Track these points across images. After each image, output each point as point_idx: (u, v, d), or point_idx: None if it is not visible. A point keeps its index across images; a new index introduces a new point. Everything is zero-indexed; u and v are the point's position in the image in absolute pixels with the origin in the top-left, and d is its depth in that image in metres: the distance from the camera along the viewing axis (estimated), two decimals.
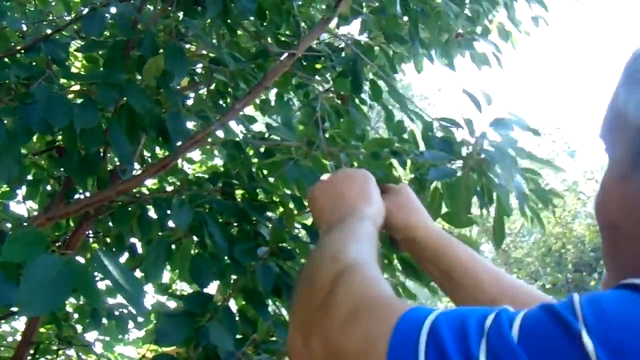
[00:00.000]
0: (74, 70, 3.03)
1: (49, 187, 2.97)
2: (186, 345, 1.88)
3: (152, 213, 2.39)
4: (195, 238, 2.13)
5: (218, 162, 3.51)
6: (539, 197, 2.24)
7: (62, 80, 1.96)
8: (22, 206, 3.12)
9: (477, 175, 2.09)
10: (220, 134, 2.43)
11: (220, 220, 2.02)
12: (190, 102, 2.58)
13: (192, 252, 2.25)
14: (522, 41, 3.38)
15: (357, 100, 2.51)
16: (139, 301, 1.41)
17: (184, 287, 3.68)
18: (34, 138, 2.81)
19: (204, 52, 2.51)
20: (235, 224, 2.13)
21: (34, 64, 2.13)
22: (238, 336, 1.96)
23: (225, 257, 1.96)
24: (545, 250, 19.73)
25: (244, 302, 2.07)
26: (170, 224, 2.34)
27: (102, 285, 3.11)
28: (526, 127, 2.16)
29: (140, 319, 3.17)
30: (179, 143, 2.05)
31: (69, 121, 1.66)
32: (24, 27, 2.46)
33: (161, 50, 1.97)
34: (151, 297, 3.30)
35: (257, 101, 2.76)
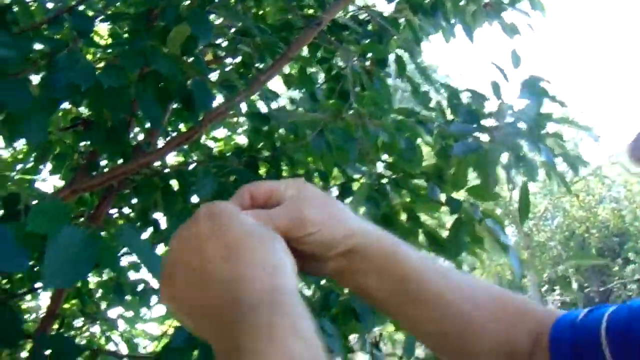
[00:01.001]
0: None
1: (73, 162, 2.98)
2: None
3: (175, 187, 2.40)
4: None
5: (241, 139, 3.50)
6: (566, 162, 2.21)
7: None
8: (46, 184, 3.15)
9: (504, 147, 2.07)
10: (244, 108, 2.42)
11: None
12: (214, 76, 2.57)
13: None
14: (544, 22, 3.33)
15: (382, 75, 2.49)
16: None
17: None
18: (59, 114, 2.82)
19: (228, 25, 2.50)
20: None
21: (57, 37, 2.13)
22: None
23: None
24: (569, 234, 19.63)
25: None
26: (194, 199, 2.34)
27: (124, 262, 3.13)
28: (552, 96, 2.14)
29: None
30: (204, 114, 2.04)
31: (94, 81, 1.65)
32: (49, 5, 2.46)
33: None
34: None
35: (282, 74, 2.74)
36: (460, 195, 2.43)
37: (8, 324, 1.81)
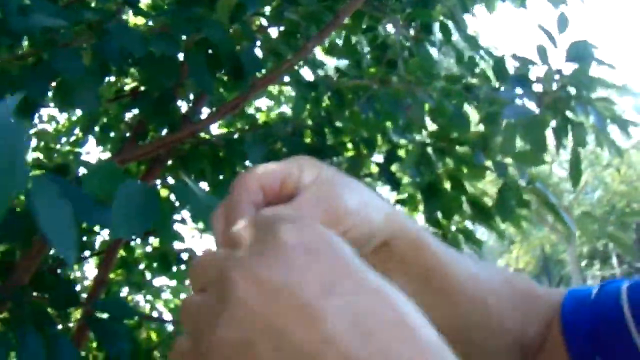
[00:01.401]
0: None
1: (119, 133, 3.02)
2: None
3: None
4: None
5: (285, 110, 3.52)
6: (617, 125, 2.19)
7: None
8: (90, 157, 3.20)
9: (552, 112, 2.06)
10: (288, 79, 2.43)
11: None
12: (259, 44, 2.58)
13: None
14: None
15: (427, 43, 2.48)
16: None
17: None
18: (105, 85, 2.86)
19: None
20: None
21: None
22: None
23: None
24: (609, 208, 19.42)
25: None
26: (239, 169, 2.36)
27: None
28: (600, 60, 2.11)
29: None
30: (252, 82, 2.05)
31: (146, 50, 1.67)
32: None
33: None
34: None
35: (326, 45, 2.75)
36: (506, 161, 2.43)
37: (62, 288, 1.85)
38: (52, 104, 2.53)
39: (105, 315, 1.77)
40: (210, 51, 1.94)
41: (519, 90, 2.05)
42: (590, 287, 0.83)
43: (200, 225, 2.33)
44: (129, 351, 1.70)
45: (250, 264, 0.44)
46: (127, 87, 2.91)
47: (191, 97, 2.55)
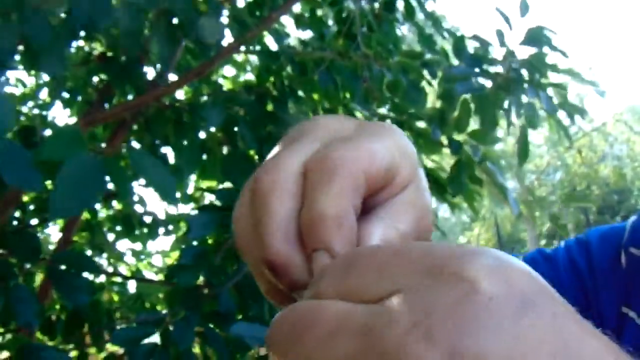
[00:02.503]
0: None
1: (86, 97, 3.06)
2: (217, 236, 1.97)
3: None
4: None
5: (250, 77, 3.57)
6: (566, 110, 2.28)
7: None
8: (57, 120, 3.24)
9: (505, 92, 2.14)
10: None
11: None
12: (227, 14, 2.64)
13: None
14: None
15: (390, 18, 2.55)
16: (171, 192, 1.47)
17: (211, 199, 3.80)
18: (72, 50, 2.89)
19: None
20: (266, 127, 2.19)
21: None
22: None
23: (256, 158, 2.04)
24: (570, 190, 19.74)
25: None
26: (202, 135, 2.43)
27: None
28: (553, 46, 2.20)
29: (170, 227, 3.29)
30: (215, 50, 2.11)
31: (112, 20, 1.73)
32: None
33: None
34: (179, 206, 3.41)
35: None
36: (461, 138, 2.52)
37: (27, 243, 1.91)
38: (20, 67, 2.57)
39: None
40: (174, 20, 1.99)
41: (474, 69, 2.13)
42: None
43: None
44: (88, 303, 1.76)
45: (445, 330, 0.28)
46: (95, 52, 2.96)
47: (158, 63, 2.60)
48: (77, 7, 1.76)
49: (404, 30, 2.77)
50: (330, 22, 2.74)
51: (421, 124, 2.56)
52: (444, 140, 2.48)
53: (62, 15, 1.84)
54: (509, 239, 22.52)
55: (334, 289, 0.35)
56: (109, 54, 2.40)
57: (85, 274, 1.93)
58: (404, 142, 0.46)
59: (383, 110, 2.63)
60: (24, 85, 3.55)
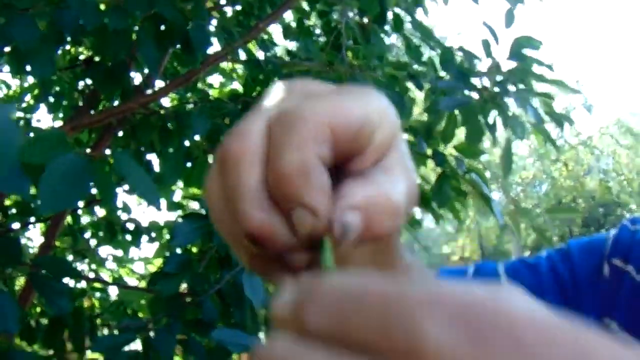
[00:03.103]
0: None
1: (72, 101, 3.05)
2: (201, 244, 1.97)
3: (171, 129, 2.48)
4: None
5: (237, 86, 3.58)
6: (552, 120, 2.30)
7: None
8: (41, 124, 3.23)
9: (492, 105, 2.16)
10: (242, 56, 2.49)
11: None
12: (215, 23, 2.64)
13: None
14: None
15: (378, 31, 2.57)
16: (153, 197, 1.46)
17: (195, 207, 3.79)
18: (59, 53, 2.88)
19: None
20: None
21: None
22: None
23: None
24: (556, 202, 19.83)
25: None
26: (188, 143, 2.43)
27: (117, 202, 3.22)
28: (538, 60, 2.22)
29: (153, 234, 3.28)
30: (202, 58, 2.11)
31: (100, 22, 1.73)
32: None
33: None
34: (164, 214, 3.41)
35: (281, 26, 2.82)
36: (447, 151, 2.53)
37: (8, 247, 1.90)
38: (4, 69, 2.57)
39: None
40: (162, 27, 2.00)
41: (460, 82, 2.14)
42: (462, 267, 0.82)
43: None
44: (69, 309, 1.76)
45: None
46: (81, 57, 2.96)
47: (145, 69, 2.60)
48: (65, 10, 1.77)
49: (392, 39, 2.78)
50: (318, 32, 2.75)
51: (407, 136, 2.57)
52: (429, 152, 2.49)
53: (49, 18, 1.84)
54: (493, 250, 22.61)
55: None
56: (96, 58, 2.40)
57: (67, 280, 1.92)
58: (384, 105, 0.43)
59: None
60: (8, 88, 3.54)
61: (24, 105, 3.43)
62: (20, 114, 3.41)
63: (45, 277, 1.79)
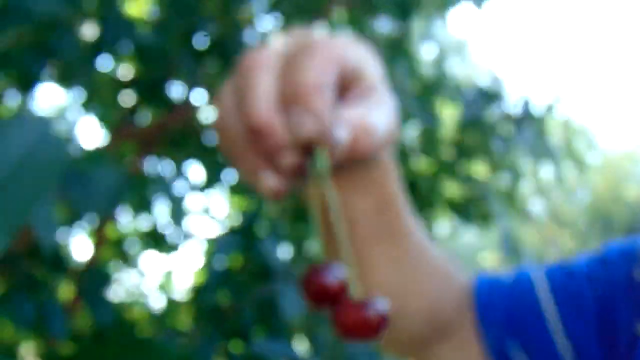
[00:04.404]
0: None
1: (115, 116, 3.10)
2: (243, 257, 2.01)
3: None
4: None
5: None
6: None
7: None
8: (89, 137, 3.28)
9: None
10: None
11: None
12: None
13: None
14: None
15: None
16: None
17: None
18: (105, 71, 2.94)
19: None
20: None
21: None
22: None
23: None
24: (595, 211, 19.51)
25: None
26: None
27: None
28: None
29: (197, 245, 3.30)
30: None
31: (137, 42, 1.77)
32: None
33: None
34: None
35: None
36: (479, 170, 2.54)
37: (54, 257, 1.96)
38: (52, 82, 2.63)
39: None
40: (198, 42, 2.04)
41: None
42: (500, 274, 0.84)
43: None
44: (111, 320, 1.80)
45: None
46: (124, 74, 2.99)
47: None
48: (103, 30, 1.81)
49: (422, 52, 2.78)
50: None
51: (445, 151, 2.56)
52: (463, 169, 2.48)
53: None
54: (534, 260, 22.29)
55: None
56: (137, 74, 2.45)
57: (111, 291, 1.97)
58: (371, 54, 0.54)
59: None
60: (54, 100, 3.60)
61: (69, 119, 3.49)
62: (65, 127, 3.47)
63: (89, 288, 1.84)
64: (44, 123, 0.42)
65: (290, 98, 0.46)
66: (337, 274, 0.45)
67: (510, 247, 2.30)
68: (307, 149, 0.47)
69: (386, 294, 0.67)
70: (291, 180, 0.49)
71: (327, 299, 0.44)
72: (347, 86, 0.51)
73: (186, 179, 2.83)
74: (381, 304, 0.45)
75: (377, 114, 0.51)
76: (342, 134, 0.47)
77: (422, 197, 2.53)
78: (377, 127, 0.50)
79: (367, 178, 0.64)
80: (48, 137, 0.41)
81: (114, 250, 3.53)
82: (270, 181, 0.49)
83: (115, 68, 2.90)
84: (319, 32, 0.53)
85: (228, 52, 2.01)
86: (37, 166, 0.39)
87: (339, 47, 0.49)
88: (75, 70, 1.83)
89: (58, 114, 3.50)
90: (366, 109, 0.50)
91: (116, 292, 3.67)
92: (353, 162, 0.54)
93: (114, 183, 1.40)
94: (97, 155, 1.50)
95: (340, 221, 0.48)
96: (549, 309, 0.76)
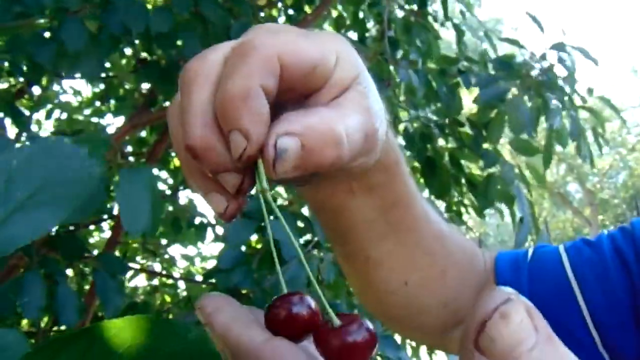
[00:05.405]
0: None
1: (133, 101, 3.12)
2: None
3: None
4: None
5: None
6: (595, 139, 2.24)
7: None
8: (111, 128, 3.32)
9: (535, 95, 2.12)
10: None
11: None
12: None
13: None
14: None
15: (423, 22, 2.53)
16: (135, 225, 1.43)
17: None
18: (122, 58, 2.95)
19: None
20: None
21: None
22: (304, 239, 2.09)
23: None
24: (634, 192, 19.25)
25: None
26: None
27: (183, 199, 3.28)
28: (587, 54, 2.17)
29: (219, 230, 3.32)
30: None
31: (145, 25, 1.76)
32: None
33: None
34: None
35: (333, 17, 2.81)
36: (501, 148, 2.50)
37: (72, 244, 1.98)
38: (77, 76, 2.64)
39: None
40: (207, 24, 2.02)
41: (499, 73, 2.11)
42: (519, 250, 0.84)
43: None
44: (120, 305, 1.81)
45: None
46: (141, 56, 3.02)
47: None
48: (112, 12, 1.80)
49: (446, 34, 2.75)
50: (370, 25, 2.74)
51: (465, 130, 2.53)
52: (488, 146, 2.45)
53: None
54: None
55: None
56: (149, 58, 2.46)
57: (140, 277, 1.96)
58: (346, 48, 0.47)
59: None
60: (79, 94, 3.63)
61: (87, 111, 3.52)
62: (94, 119, 3.50)
63: (101, 274, 1.84)
64: (66, 148, 0.44)
65: (219, 113, 0.41)
66: (304, 303, 0.41)
67: (529, 229, 2.26)
68: (245, 165, 0.42)
69: (403, 291, 0.74)
70: (241, 197, 0.46)
71: (299, 329, 0.40)
72: (305, 87, 0.45)
73: None
74: (361, 324, 0.40)
75: (345, 118, 0.44)
76: (287, 143, 0.41)
77: (444, 178, 2.50)
78: (341, 135, 0.42)
79: (368, 182, 0.62)
80: (70, 161, 0.43)
81: (140, 238, 3.56)
82: (217, 204, 0.46)
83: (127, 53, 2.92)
84: (272, 28, 0.47)
85: (231, 36, 2.00)
86: (56, 189, 0.40)
87: (282, 43, 0.43)
88: (82, 58, 1.82)
89: (83, 105, 3.54)
90: (329, 113, 0.43)
91: (142, 279, 3.71)
92: (334, 172, 0.48)
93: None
94: (96, 141, 1.48)
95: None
96: (571, 282, 0.76)
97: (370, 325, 0.39)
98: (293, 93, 0.44)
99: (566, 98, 2.21)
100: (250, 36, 0.45)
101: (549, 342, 0.30)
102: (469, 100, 2.57)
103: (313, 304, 0.41)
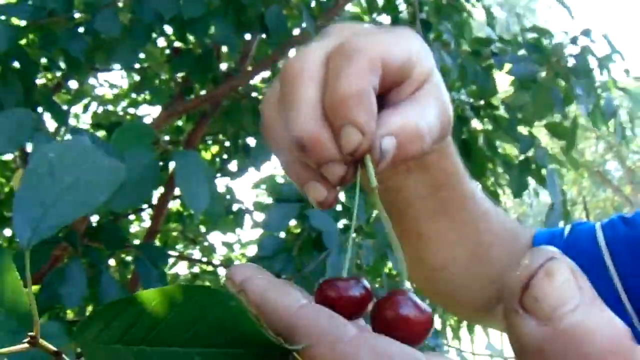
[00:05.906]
0: None
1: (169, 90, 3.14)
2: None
3: None
4: None
5: None
6: (630, 118, 2.23)
7: None
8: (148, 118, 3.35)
9: (561, 79, 2.11)
10: None
11: None
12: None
13: None
14: None
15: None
16: (199, 203, 1.43)
17: None
18: (158, 47, 2.97)
19: None
20: None
21: None
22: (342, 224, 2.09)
23: None
24: None
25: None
26: None
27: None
28: (613, 47, 2.16)
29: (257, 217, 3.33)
30: (285, 40, 2.13)
31: (177, 10, 1.78)
32: None
33: None
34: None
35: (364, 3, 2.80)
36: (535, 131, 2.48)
37: (114, 233, 2.01)
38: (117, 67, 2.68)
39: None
40: (239, 10, 2.03)
41: (529, 55, 2.11)
42: (556, 228, 0.86)
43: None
44: None
45: None
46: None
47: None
48: (142, 3, 1.82)
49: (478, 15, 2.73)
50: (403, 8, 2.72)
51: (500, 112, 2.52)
52: (523, 130, 2.44)
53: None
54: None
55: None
56: (183, 47, 2.47)
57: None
58: (420, 43, 0.51)
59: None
60: (115, 87, 3.66)
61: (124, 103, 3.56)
62: (131, 110, 3.54)
63: (142, 262, 1.87)
64: (94, 152, 0.46)
65: (331, 110, 0.45)
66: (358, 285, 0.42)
67: (559, 216, 2.25)
68: (354, 159, 0.46)
69: (451, 267, 0.78)
70: (339, 189, 0.49)
71: (351, 308, 0.41)
72: (392, 84, 0.49)
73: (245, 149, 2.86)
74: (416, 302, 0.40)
75: (426, 112, 0.49)
76: (388, 143, 0.45)
77: (479, 159, 2.50)
78: (425, 130, 0.47)
79: (422, 162, 0.65)
80: (96, 165, 0.45)
81: (176, 226, 3.60)
82: (317, 193, 0.48)
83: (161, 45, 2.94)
84: (359, 29, 0.51)
85: (265, 21, 2.00)
86: (83, 191, 0.43)
87: (381, 45, 0.47)
88: (116, 48, 1.85)
89: (120, 97, 3.57)
90: (414, 110, 0.48)
91: (182, 267, 3.74)
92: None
93: (147, 168, 1.42)
94: (139, 130, 1.50)
95: (389, 225, 0.46)
96: (606, 258, 0.77)
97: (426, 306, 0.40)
98: (380, 88, 0.47)
99: (598, 82, 2.20)
100: (346, 38, 0.48)
101: (593, 304, 0.30)
102: (504, 84, 2.56)
103: (367, 285, 0.42)
